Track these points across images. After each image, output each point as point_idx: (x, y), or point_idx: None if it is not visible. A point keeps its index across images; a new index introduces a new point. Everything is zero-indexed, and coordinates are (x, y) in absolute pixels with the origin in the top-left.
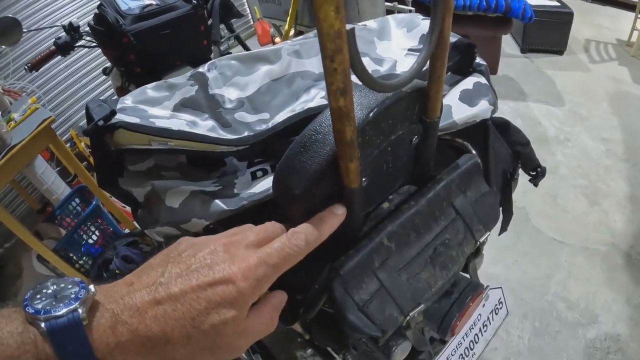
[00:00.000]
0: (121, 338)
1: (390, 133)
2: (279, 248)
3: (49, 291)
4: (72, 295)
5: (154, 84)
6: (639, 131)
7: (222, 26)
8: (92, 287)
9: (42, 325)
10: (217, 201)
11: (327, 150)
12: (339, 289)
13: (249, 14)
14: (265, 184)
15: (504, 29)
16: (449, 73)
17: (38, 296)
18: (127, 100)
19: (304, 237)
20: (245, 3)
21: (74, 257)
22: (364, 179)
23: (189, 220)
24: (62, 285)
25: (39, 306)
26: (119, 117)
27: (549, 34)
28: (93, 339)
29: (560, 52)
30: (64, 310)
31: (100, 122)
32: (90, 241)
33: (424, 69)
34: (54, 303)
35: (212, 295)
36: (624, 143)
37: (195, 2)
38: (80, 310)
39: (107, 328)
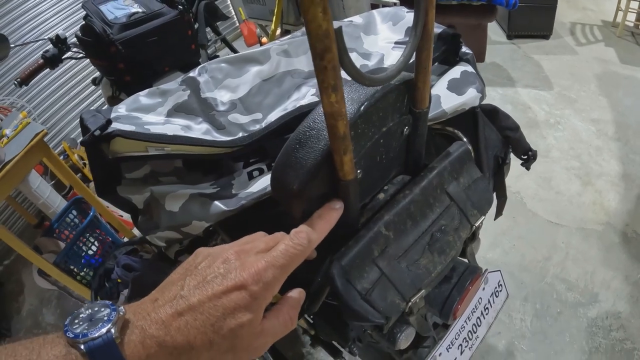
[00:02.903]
0: (150, 350)
1: (381, 125)
2: (284, 250)
3: (84, 315)
4: (105, 318)
5: (146, 91)
6: (628, 110)
7: (208, 29)
8: (121, 308)
9: (82, 347)
10: (216, 202)
11: (321, 145)
12: (341, 279)
13: (234, 16)
14: (262, 183)
15: (489, 16)
16: (436, 64)
17: (76, 321)
18: (121, 109)
19: (306, 235)
20: (230, 5)
21: (75, 269)
22: (358, 171)
23: (190, 223)
24: (96, 308)
25: (78, 330)
26: (115, 125)
27: (534, 19)
28: (126, 355)
29: (546, 37)
30: (99, 332)
31: (97, 132)
32: (90, 252)
33: (411, 61)
34: (88, 326)
35: (227, 302)
36: (614, 123)
37: (181, 7)
38: (112, 331)
39: (138, 343)
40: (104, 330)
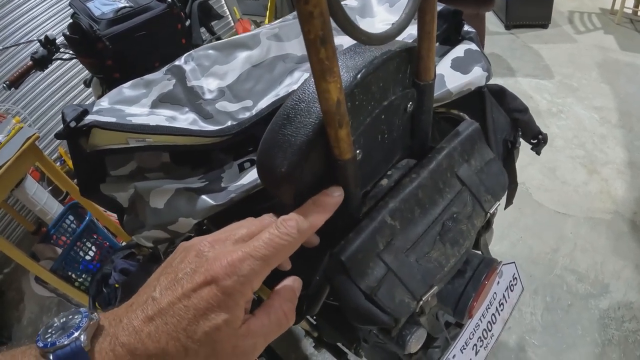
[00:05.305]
0: (122, 359)
1: (382, 98)
2: (267, 239)
3: (58, 324)
4: (76, 325)
5: (130, 82)
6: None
7: (202, 30)
8: (95, 314)
9: (51, 356)
10: (203, 197)
11: (312, 119)
12: (341, 277)
13: (229, 15)
14: (253, 174)
15: (487, 5)
16: (437, 44)
17: (49, 330)
18: (104, 102)
19: (295, 224)
20: (225, 4)
21: (73, 276)
22: (358, 152)
23: (176, 220)
24: (70, 316)
25: (49, 339)
26: (93, 117)
27: (532, 8)
28: None
29: (544, 26)
30: (69, 340)
31: (72, 124)
32: (88, 257)
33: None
34: (59, 334)
35: (197, 301)
36: (617, 110)
37: (169, 0)
38: (82, 338)
39: (109, 351)
40: (73, 337)
